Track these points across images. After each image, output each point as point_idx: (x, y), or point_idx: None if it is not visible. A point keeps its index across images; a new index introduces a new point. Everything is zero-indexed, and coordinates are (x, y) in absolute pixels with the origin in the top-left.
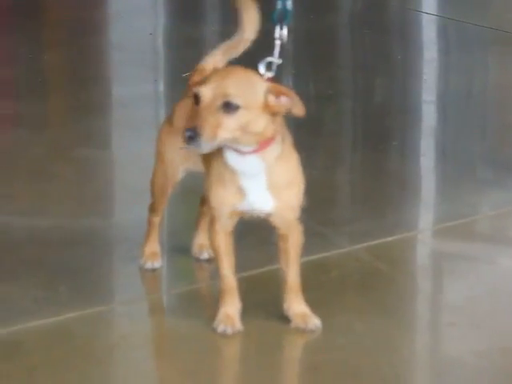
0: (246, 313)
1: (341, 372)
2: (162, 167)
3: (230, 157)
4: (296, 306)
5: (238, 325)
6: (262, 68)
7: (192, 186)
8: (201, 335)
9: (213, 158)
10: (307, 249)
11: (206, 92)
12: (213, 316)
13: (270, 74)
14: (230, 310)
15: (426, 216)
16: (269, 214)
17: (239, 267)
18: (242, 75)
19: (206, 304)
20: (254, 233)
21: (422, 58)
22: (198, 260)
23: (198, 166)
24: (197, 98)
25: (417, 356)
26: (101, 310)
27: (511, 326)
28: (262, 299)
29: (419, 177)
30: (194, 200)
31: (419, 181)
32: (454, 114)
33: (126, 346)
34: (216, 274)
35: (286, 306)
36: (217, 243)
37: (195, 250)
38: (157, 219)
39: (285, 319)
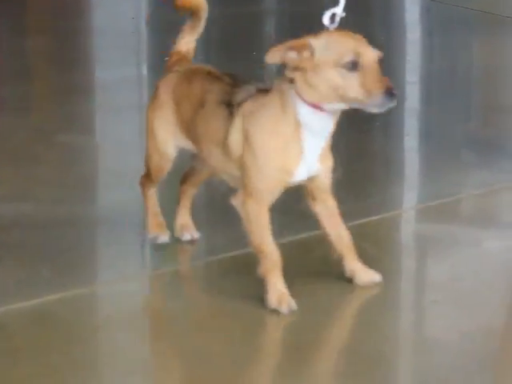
0: (223, 294)
1: (324, 351)
2: (154, 143)
3: (308, 114)
4: (359, 264)
5: (293, 303)
6: (326, 19)
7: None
8: (184, 315)
9: (254, 129)
10: (291, 229)
11: (374, 54)
12: (195, 296)
13: (333, 26)
14: (281, 286)
15: (410, 196)
16: (312, 179)
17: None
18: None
19: (188, 285)
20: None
21: (405, 39)
22: (179, 241)
23: (186, 144)
24: (356, 63)
25: (400, 334)
26: (84, 291)
27: (493, 306)
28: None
29: (403, 157)
30: (176, 180)
31: (403, 161)
32: (437, 94)
33: (109, 327)
34: (198, 255)
35: (348, 266)
36: (261, 220)
37: (177, 230)
38: (153, 191)
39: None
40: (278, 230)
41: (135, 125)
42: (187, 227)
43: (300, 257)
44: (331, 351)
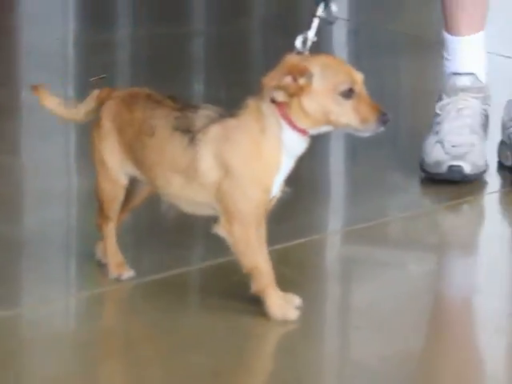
0: (146, 317)
1: (241, 377)
2: (105, 173)
3: (291, 138)
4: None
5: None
6: (298, 43)
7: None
8: (104, 339)
9: (232, 154)
10: (208, 254)
11: (362, 79)
12: (118, 319)
13: (305, 50)
14: (280, 298)
15: (334, 219)
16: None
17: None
18: None
19: (110, 308)
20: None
21: None
22: (101, 264)
23: (134, 172)
24: (351, 91)
25: (320, 360)
26: (6, 314)
27: (412, 330)
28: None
29: (328, 180)
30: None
31: (328, 184)
32: None
33: (30, 351)
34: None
35: None
36: (252, 242)
37: (98, 254)
38: (111, 227)
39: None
40: (197, 253)
41: (61, 146)
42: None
43: (218, 281)
44: (252, 377)
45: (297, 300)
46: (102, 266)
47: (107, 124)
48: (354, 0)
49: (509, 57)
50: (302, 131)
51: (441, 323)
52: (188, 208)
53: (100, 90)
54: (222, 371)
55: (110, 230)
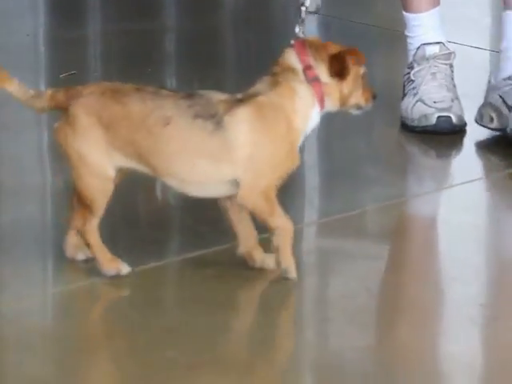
0: (119, 313)
1: (218, 371)
2: (89, 170)
3: (316, 117)
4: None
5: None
6: (297, 29)
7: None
8: (80, 335)
9: (268, 131)
10: (183, 247)
11: None
12: (94, 315)
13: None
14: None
15: (308, 211)
16: None
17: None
18: None
19: (85, 304)
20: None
21: None
22: (73, 260)
23: (130, 164)
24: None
25: (295, 351)
26: None
27: (385, 321)
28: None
29: (301, 173)
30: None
31: (301, 177)
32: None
33: (4, 347)
34: (93, 272)
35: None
36: (275, 203)
37: (69, 250)
38: (94, 224)
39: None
40: (172, 247)
41: (32, 142)
42: (80, 246)
43: (193, 274)
44: (227, 371)
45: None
46: (75, 262)
47: (85, 120)
48: None
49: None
50: (323, 107)
51: (412, 314)
52: (201, 191)
53: (53, 90)
54: (197, 365)
55: (94, 227)
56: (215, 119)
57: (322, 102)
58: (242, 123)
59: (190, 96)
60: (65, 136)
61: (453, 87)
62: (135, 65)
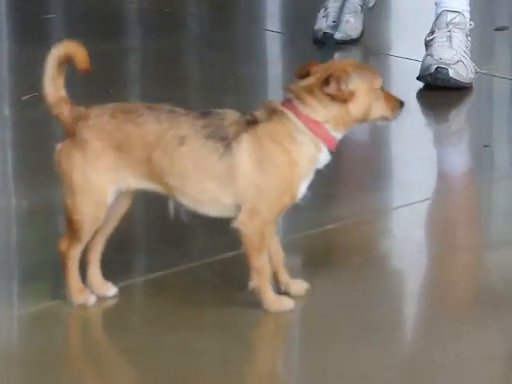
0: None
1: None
2: (89, 195)
3: (324, 156)
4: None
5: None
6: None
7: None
8: (44, 356)
9: (270, 159)
10: (145, 268)
11: None
12: (58, 336)
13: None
14: (275, 295)
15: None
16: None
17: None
18: None
19: (50, 325)
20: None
21: (267, 73)
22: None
23: (142, 185)
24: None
25: (254, 371)
26: None
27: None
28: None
29: None
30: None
31: None
32: None
33: None
34: (57, 295)
35: (282, 280)
36: (267, 239)
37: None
38: (78, 249)
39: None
40: (134, 268)
41: None
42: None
43: (154, 295)
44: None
45: (305, 284)
46: (39, 284)
47: (97, 145)
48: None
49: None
50: (333, 144)
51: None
52: (210, 211)
53: (65, 99)
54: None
55: (77, 254)
56: (225, 142)
57: (328, 140)
58: (244, 151)
59: (204, 116)
60: (70, 159)
61: (463, 53)
62: (98, 85)
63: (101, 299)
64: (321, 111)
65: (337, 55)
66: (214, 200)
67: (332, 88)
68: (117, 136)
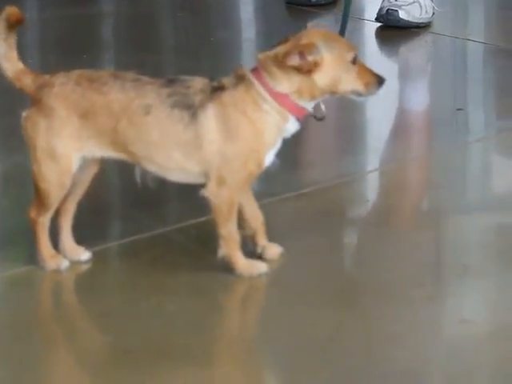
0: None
1: (152, 354)
2: (54, 162)
3: (292, 125)
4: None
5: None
6: None
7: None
8: (12, 321)
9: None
10: (118, 233)
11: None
12: (28, 301)
13: None
14: (246, 260)
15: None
16: None
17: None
18: None
19: (20, 290)
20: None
21: (240, 38)
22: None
23: (106, 153)
24: (355, 58)
25: (227, 335)
26: None
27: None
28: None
29: None
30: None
31: None
32: None
33: None
34: (31, 260)
35: (260, 243)
36: (235, 208)
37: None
38: (47, 216)
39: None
40: (107, 233)
41: None
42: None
43: (128, 260)
44: (159, 354)
45: (280, 248)
46: (12, 250)
47: (62, 112)
48: None
49: None
50: (302, 114)
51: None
52: (178, 178)
53: (22, 70)
54: (134, 349)
55: (46, 221)
56: (191, 111)
57: (295, 109)
58: (210, 119)
59: (170, 83)
60: (35, 126)
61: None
62: (71, 51)
63: (74, 264)
64: (285, 83)
65: (312, 21)
66: (181, 168)
67: (293, 59)
68: (82, 104)
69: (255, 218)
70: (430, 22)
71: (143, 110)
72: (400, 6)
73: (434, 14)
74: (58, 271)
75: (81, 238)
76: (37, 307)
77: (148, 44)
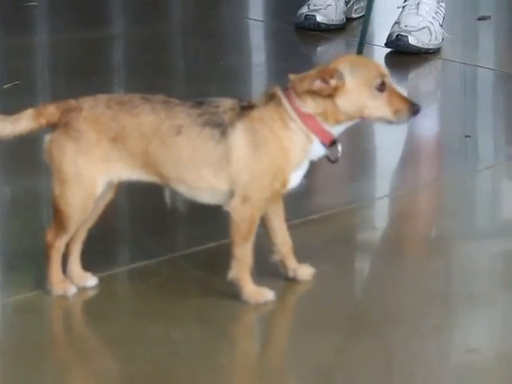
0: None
1: (157, 382)
2: (79, 186)
3: (317, 149)
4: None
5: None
6: None
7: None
8: (20, 347)
9: (261, 145)
10: (126, 258)
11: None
12: (35, 327)
13: None
14: (255, 287)
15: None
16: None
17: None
18: None
19: (28, 315)
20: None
21: (250, 62)
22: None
23: (137, 176)
24: (383, 84)
25: (233, 363)
26: None
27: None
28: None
29: None
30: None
31: None
32: None
33: None
34: (39, 285)
35: (290, 266)
36: (254, 227)
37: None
38: (64, 241)
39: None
40: (115, 258)
41: None
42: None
43: (135, 285)
44: (164, 382)
45: (312, 269)
46: (20, 274)
47: (91, 135)
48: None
49: None
50: (327, 138)
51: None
52: (207, 199)
53: (36, 108)
54: (139, 376)
55: (62, 245)
56: (221, 128)
57: (320, 132)
58: (239, 136)
59: (199, 104)
60: (62, 149)
61: (431, 19)
62: (81, 74)
63: (81, 290)
64: (310, 104)
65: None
66: (211, 187)
67: (315, 83)
68: (112, 127)
69: (284, 242)
70: (439, 48)
71: (174, 131)
72: (410, 32)
73: (443, 39)
74: (64, 297)
75: (88, 264)
76: (42, 333)
77: (157, 68)
